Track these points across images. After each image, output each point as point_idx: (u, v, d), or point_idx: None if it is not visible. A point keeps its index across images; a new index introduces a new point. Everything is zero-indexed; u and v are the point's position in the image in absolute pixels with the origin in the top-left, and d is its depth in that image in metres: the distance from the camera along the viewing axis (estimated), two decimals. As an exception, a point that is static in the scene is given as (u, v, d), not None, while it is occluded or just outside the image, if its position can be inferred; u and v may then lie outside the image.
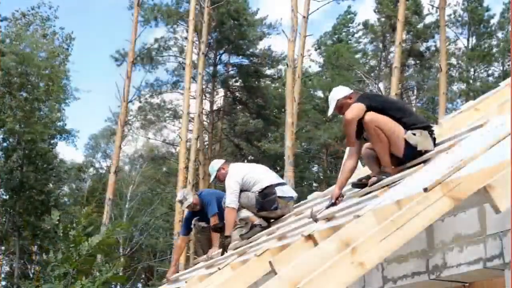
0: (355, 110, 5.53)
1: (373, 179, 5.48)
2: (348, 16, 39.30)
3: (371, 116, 5.45)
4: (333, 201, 5.72)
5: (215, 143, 34.11)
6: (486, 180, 3.36)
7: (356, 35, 39.38)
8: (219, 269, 6.22)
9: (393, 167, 5.47)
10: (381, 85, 33.93)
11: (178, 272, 9.71)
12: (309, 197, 8.27)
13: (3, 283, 34.27)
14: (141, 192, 37.57)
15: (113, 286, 33.36)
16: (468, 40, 35.38)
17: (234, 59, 35.80)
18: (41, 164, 30.47)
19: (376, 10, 34.81)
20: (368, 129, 5.45)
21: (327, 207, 5.73)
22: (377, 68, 36.38)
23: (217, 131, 34.64)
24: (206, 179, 27.92)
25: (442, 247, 4.22)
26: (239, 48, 34.65)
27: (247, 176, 7.75)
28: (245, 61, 35.64)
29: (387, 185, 5.24)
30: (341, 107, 5.86)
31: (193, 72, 26.11)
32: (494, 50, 34.92)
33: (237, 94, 36.34)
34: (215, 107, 34.92)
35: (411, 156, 5.40)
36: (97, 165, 42.93)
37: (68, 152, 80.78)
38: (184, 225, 9.50)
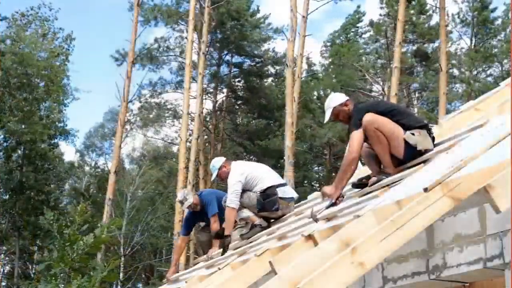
0: (356, 143, 5.50)
1: (373, 179, 5.49)
2: (357, 16, 39.33)
3: (370, 117, 5.45)
4: (333, 201, 5.73)
5: (217, 143, 34.12)
6: (486, 180, 3.36)
7: (364, 36, 39.43)
8: (219, 269, 6.22)
9: (393, 167, 5.48)
10: (386, 84, 33.88)
11: (178, 272, 9.71)
12: (309, 197, 8.28)
13: (3, 283, 34.30)
14: (142, 191, 37.58)
15: (114, 286, 33.41)
16: (471, 40, 35.33)
17: (237, 59, 35.87)
18: (41, 164, 30.49)
19: (385, 11, 34.69)
20: (368, 131, 5.45)
21: (327, 207, 5.73)
22: (382, 67, 36.31)
23: (219, 131, 34.67)
24: (207, 179, 27.95)
25: (442, 247, 4.22)
26: (241, 48, 34.68)
27: (249, 176, 7.74)
28: (247, 61, 35.71)
29: (387, 185, 5.24)
30: (337, 114, 5.88)
31: (194, 72, 26.14)
32: (496, 50, 34.85)
33: (239, 93, 36.38)
34: (217, 107, 34.96)
35: (411, 156, 5.40)
36: (92, 164, 43.03)
37: (68, 152, 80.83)
38: (184, 225, 9.51)
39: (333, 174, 34.41)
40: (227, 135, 35.93)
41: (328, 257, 3.66)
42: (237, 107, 36.76)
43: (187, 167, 22.60)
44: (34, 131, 28.45)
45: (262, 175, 7.80)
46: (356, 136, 5.50)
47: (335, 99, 5.93)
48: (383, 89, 33.02)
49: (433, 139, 5.49)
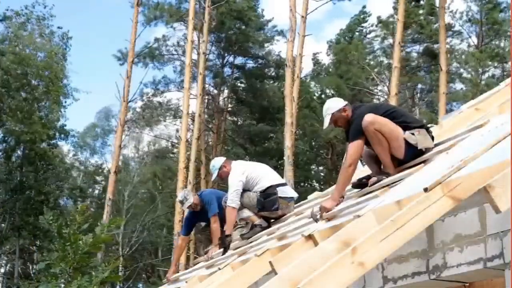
0: (355, 155, 5.50)
1: (373, 179, 5.48)
2: (362, 16, 39.31)
3: (370, 118, 5.44)
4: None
5: (219, 143, 34.12)
6: (486, 180, 3.36)
7: (369, 36, 39.38)
8: (219, 269, 6.23)
9: (393, 167, 5.47)
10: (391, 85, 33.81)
11: (178, 272, 9.71)
12: (310, 197, 8.28)
13: (3, 283, 34.30)
14: (142, 191, 37.58)
15: (116, 286, 33.41)
16: (478, 39, 35.25)
17: (240, 60, 35.87)
18: (41, 164, 30.48)
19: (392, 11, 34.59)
20: (368, 132, 5.43)
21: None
22: (388, 67, 36.21)
23: (221, 131, 34.66)
24: (208, 179, 27.93)
25: (442, 247, 4.22)
26: (243, 49, 34.66)
27: (250, 175, 7.74)
28: (250, 62, 35.71)
29: (387, 185, 5.24)
30: (336, 120, 5.85)
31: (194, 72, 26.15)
32: (501, 51, 34.73)
33: (241, 95, 36.37)
34: (219, 108, 34.95)
35: (412, 156, 5.40)
36: (87, 163, 43.02)
37: (68, 152, 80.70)
38: (185, 225, 9.51)
39: (334, 174, 34.44)
40: (229, 136, 35.92)
41: (328, 257, 3.66)
42: (239, 108, 36.72)
43: (187, 167, 22.59)
44: (34, 131, 28.43)
45: (262, 175, 7.80)
46: (355, 146, 5.46)
47: (333, 105, 5.88)
48: (388, 90, 32.98)
49: (432, 138, 5.50)
